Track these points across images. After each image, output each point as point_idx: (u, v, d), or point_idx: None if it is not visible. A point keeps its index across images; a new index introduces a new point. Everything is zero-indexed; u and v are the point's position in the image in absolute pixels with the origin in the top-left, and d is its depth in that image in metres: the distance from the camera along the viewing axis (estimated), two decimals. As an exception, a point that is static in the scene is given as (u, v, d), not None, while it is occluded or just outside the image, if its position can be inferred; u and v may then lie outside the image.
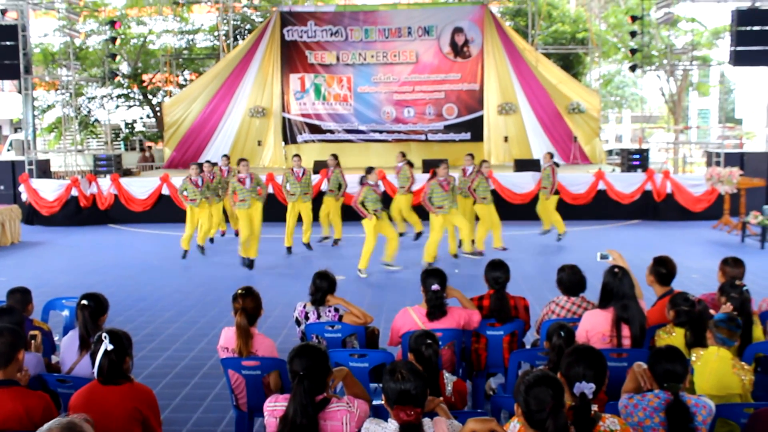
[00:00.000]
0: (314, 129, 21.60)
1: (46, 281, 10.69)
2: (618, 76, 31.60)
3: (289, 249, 12.87)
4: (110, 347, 3.74)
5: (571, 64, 25.66)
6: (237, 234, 13.02)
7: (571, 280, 5.50)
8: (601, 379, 3.32)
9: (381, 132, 21.35)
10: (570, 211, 16.32)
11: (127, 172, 20.12)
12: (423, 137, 21.27)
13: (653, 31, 24.69)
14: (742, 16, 17.82)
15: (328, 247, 13.48)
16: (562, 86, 20.83)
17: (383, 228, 11.19)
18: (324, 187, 14.07)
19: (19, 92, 19.96)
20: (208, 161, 14.24)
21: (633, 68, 22.70)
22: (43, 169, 18.62)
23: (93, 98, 27.60)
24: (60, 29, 23.96)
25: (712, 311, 4.65)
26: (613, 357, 4.63)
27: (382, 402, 3.36)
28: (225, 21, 23.71)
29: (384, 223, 11.21)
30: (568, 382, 3.25)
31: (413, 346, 4.12)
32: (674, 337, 4.64)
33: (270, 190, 16.42)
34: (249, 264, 11.50)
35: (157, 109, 26.81)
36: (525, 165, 17.71)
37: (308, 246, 13.07)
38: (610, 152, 25.31)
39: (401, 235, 13.71)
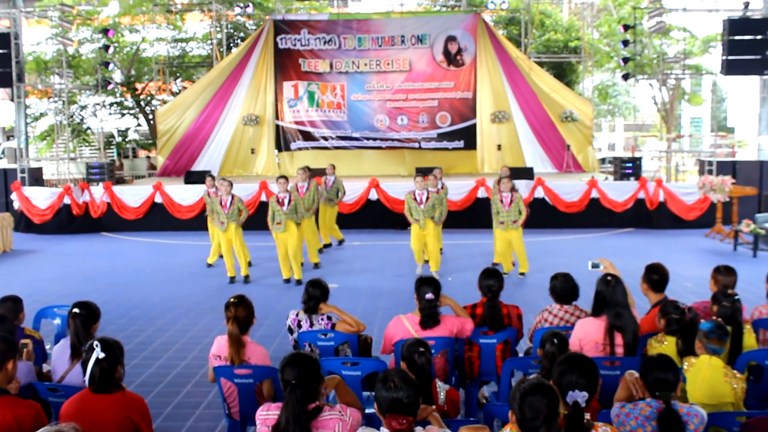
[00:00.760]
0: (307, 136, 21.59)
1: (38, 289, 10.65)
2: (611, 87, 31.72)
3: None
4: (102, 355, 3.73)
5: (564, 73, 25.76)
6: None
7: (564, 288, 5.50)
8: (593, 388, 3.32)
9: (375, 139, 21.37)
10: (563, 219, 16.42)
11: (120, 180, 20.09)
12: (416, 145, 21.30)
13: (645, 40, 24.79)
14: (734, 26, 17.94)
15: (321, 255, 13.42)
16: (555, 95, 20.90)
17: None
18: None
19: (12, 100, 19.93)
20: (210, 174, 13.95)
21: (626, 77, 22.81)
22: (36, 177, 18.58)
23: (85, 107, 27.56)
24: (53, 37, 23.89)
25: (703, 320, 4.66)
26: (606, 365, 4.64)
27: (375, 410, 3.35)
28: (218, 29, 23.73)
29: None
30: (560, 390, 3.25)
31: (406, 354, 4.12)
32: (666, 345, 4.65)
33: (263, 198, 16.42)
34: (231, 280, 11.36)
35: (151, 117, 26.80)
36: (518, 173, 17.70)
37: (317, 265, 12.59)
38: (603, 160, 25.39)
39: (327, 246, 13.90)
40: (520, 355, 5.78)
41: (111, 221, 17.10)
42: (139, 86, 27.47)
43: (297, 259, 11.30)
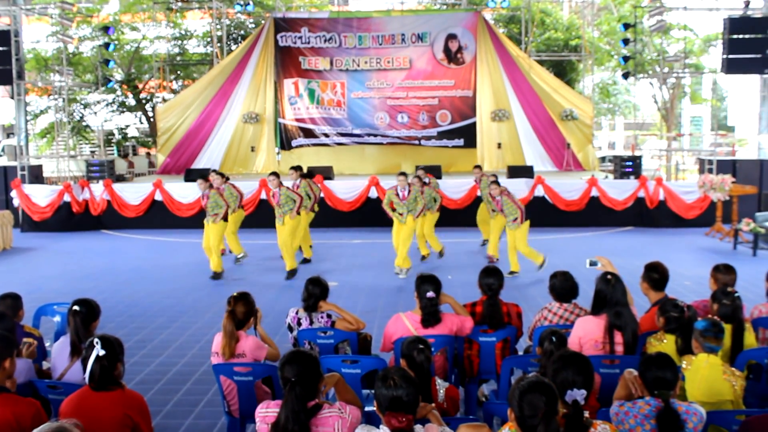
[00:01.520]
0: (308, 133, 21.58)
1: (38, 287, 10.65)
2: (612, 86, 31.73)
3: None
4: (102, 353, 3.73)
5: (564, 71, 25.76)
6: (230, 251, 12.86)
7: (563, 287, 5.50)
8: (589, 385, 3.32)
9: (375, 136, 21.37)
10: (563, 217, 16.41)
11: (120, 178, 20.08)
12: (416, 143, 21.30)
13: (646, 39, 24.80)
14: (734, 24, 17.93)
15: (320, 252, 13.42)
16: (555, 93, 20.90)
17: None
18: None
19: (12, 98, 19.92)
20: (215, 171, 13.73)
21: (626, 75, 22.80)
22: (36, 175, 18.56)
23: (87, 105, 27.54)
24: (53, 35, 23.90)
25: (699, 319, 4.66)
26: (606, 364, 4.64)
27: (374, 408, 3.35)
28: (218, 27, 23.72)
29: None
30: (556, 388, 3.26)
31: (405, 352, 4.12)
32: (665, 344, 4.65)
33: (262, 195, 16.43)
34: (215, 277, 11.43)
35: (151, 115, 26.78)
36: (518, 171, 17.73)
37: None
38: (603, 159, 25.37)
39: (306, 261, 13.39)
40: (520, 353, 5.78)
41: (111, 219, 17.09)
42: (139, 84, 27.48)
43: (285, 250, 11.50)
